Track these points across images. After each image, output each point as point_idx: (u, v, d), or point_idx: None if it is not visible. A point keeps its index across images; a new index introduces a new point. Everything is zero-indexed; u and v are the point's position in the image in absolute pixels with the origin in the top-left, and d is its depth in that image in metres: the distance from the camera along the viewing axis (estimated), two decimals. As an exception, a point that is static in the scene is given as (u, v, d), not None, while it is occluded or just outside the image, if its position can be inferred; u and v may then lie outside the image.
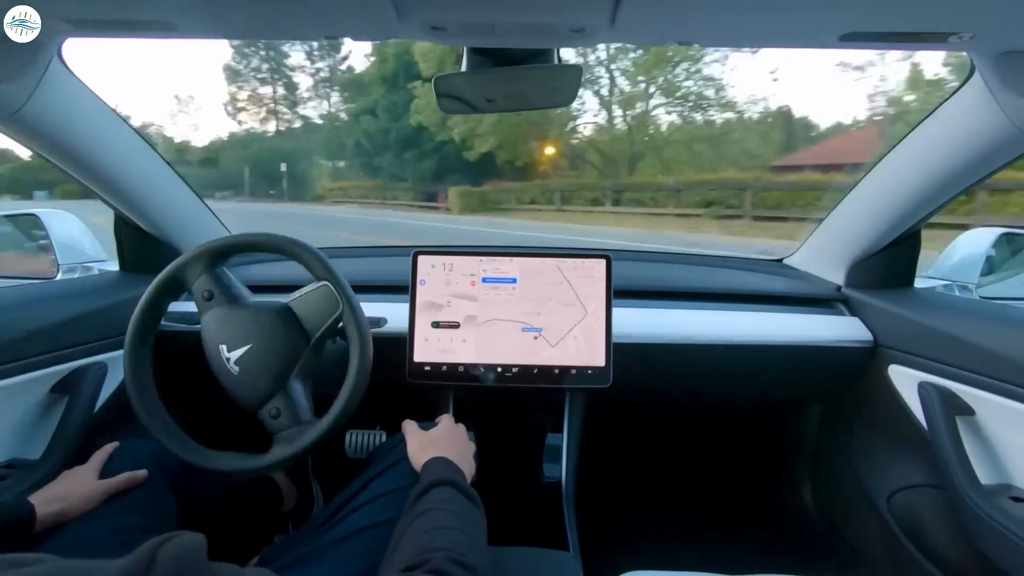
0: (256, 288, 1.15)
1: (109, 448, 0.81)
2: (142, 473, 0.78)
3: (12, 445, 0.85)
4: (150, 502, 0.77)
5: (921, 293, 1.14)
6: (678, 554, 1.29)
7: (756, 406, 1.33)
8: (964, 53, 0.75)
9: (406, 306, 0.99)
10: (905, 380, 0.99)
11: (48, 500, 0.70)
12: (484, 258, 1.01)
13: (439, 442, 0.77)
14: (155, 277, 0.86)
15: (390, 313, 1.00)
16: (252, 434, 0.85)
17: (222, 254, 0.87)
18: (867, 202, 1.10)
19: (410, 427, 0.82)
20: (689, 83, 14.90)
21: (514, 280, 1.01)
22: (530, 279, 1.01)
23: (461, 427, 0.85)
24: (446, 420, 0.85)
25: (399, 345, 0.98)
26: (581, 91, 0.80)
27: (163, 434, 0.82)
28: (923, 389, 0.93)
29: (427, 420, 0.87)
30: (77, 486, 0.74)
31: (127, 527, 0.73)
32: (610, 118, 16.96)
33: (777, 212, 10.08)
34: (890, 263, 1.12)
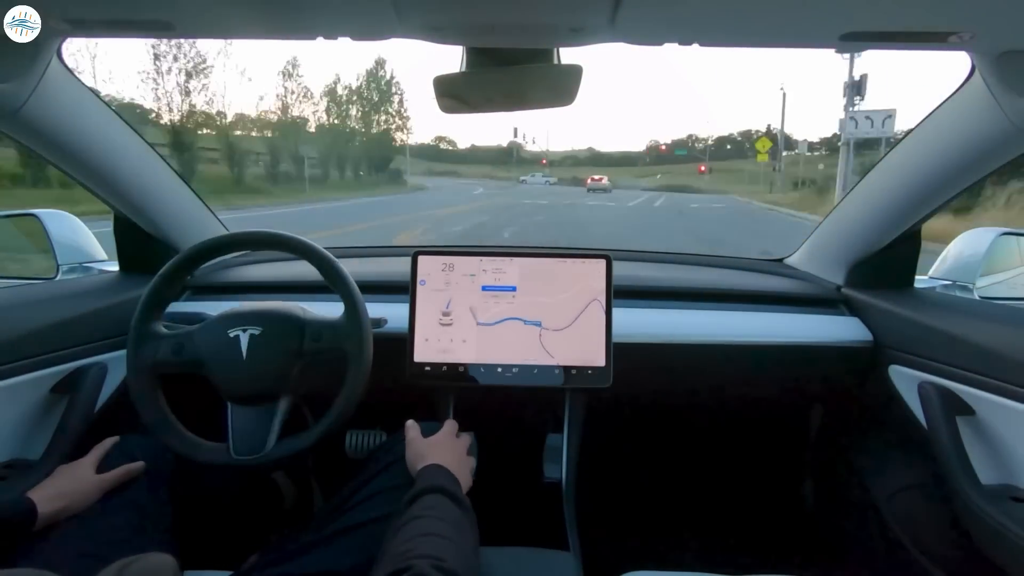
0: (255, 288, 1.16)
1: (107, 443, 0.82)
2: (139, 465, 0.78)
3: (12, 445, 0.85)
4: (147, 500, 0.77)
5: (921, 293, 1.14)
6: (678, 554, 1.29)
7: (756, 406, 1.33)
8: (964, 53, 0.75)
9: (406, 306, 0.99)
10: (905, 380, 0.99)
11: (49, 498, 0.70)
12: (484, 259, 1.01)
13: (438, 449, 0.77)
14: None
15: (390, 313, 1.00)
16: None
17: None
18: (867, 202, 1.10)
19: (412, 430, 0.82)
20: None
21: (514, 288, 1.01)
22: (530, 279, 1.01)
23: (465, 437, 0.85)
24: (449, 427, 0.84)
25: (399, 345, 0.98)
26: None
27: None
28: (923, 389, 0.93)
29: (427, 420, 0.87)
30: (76, 482, 0.74)
31: (124, 525, 0.73)
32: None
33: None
34: (890, 263, 1.12)
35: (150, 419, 0.82)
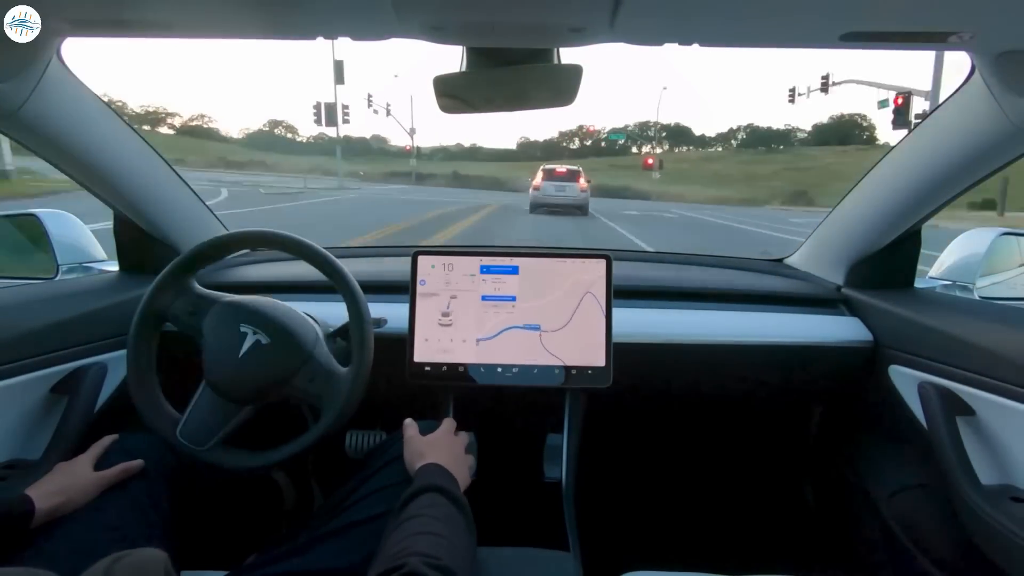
0: (255, 288, 1.16)
1: (106, 441, 0.82)
2: (137, 463, 0.78)
3: (12, 445, 0.85)
4: (146, 498, 0.77)
5: (921, 293, 1.14)
6: (678, 554, 1.29)
7: (756, 406, 1.33)
8: (964, 53, 0.75)
9: (406, 306, 0.99)
10: (905, 380, 0.99)
11: (47, 494, 0.70)
12: (484, 258, 1.01)
13: (436, 447, 0.78)
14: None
15: (390, 313, 1.00)
16: (248, 431, 0.85)
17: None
18: (867, 202, 1.10)
19: (411, 429, 0.82)
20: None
21: (514, 299, 1.01)
22: (530, 279, 1.01)
23: (463, 435, 0.85)
24: (447, 425, 0.84)
25: (399, 345, 0.98)
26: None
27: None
28: (923, 389, 0.93)
29: (428, 420, 0.87)
30: (75, 479, 0.74)
31: (122, 524, 0.73)
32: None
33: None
34: (890, 263, 1.12)
35: (132, 360, 0.83)
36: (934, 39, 0.65)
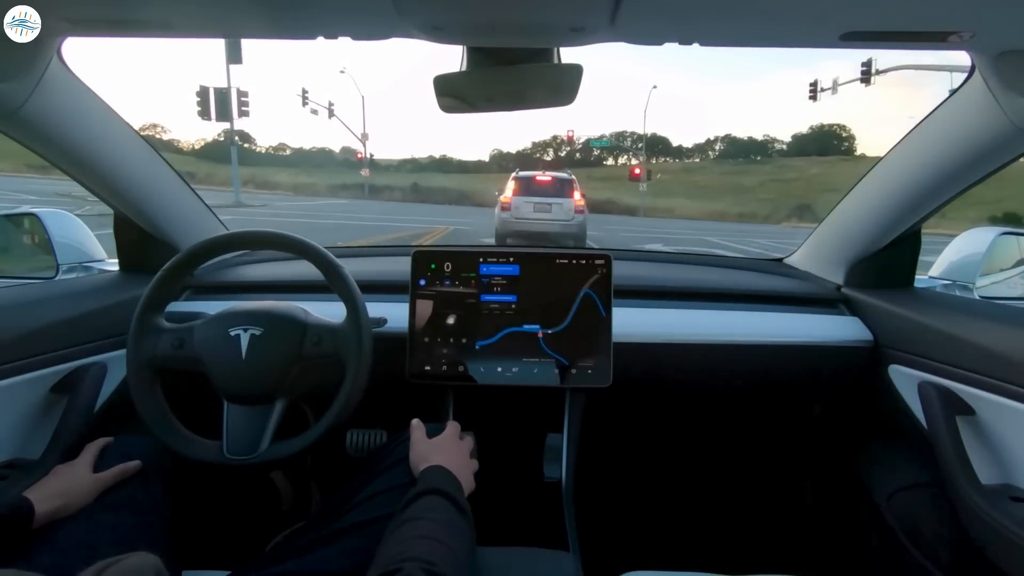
0: (255, 288, 1.16)
1: (101, 442, 0.81)
2: (134, 464, 0.78)
3: (12, 445, 0.85)
4: (144, 499, 0.77)
5: (921, 293, 1.14)
6: (678, 554, 1.29)
7: (756, 406, 1.33)
8: (964, 52, 0.75)
9: (406, 306, 0.99)
10: (905, 380, 0.99)
11: (46, 497, 0.70)
12: (484, 258, 1.01)
13: (441, 450, 0.77)
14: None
15: (390, 313, 1.01)
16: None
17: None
18: (867, 201, 1.10)
19: (417, 431, 0.82)
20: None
21: (516, 269, 1.01)
22: (530, 279, 1.01)
23: (468, 439, 0.85)
24: (452, 429, 0.84)
25: (399, 344, 0.98)
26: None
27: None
28: (923, 389, 0.93)
29: (428, 420, 0.87)
30: (73, 482, 0.74)
31: (121, 525, 0.73)
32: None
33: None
34: (890, 263, 1.12)
35: (146, 414, 0.82)
36: (934, 39, 0.65)
